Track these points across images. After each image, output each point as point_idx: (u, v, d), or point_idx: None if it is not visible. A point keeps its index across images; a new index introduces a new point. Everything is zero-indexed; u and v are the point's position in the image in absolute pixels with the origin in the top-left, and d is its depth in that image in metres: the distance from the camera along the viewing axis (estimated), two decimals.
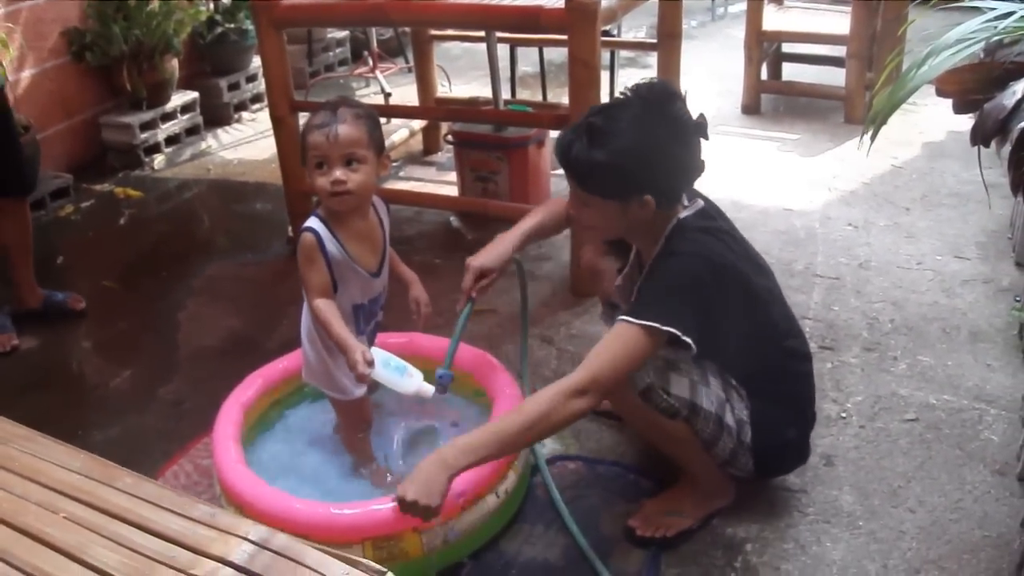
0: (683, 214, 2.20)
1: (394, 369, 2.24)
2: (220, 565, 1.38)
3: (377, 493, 2.39)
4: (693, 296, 2.09)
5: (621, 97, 2.19)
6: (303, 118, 3.98)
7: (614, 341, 2.09)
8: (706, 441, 2.25)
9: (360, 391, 2.48)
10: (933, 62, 2.02)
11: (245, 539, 1.41)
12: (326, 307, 2.25)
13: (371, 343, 2.42)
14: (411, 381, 2.26)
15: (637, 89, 2.17)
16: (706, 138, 2.15)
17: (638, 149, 2.09)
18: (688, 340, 2.05)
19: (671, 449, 2.34)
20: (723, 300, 2.12)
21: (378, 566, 1.30)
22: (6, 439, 1.75)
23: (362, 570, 1.28)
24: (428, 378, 2.30)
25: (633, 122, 2.10)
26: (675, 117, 2.12)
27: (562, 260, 3.66)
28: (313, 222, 2.29)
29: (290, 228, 4.03)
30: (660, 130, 2.10)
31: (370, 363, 2.17)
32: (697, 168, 2.19)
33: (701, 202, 2.25)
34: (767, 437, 2.28)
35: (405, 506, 2.01)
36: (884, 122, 2.12)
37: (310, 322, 2.37)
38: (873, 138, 2.23)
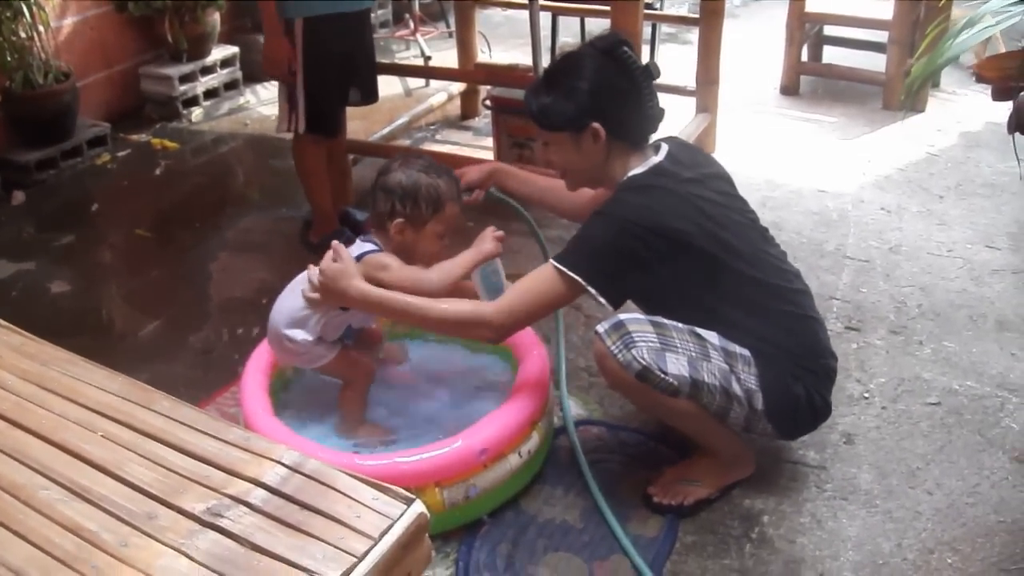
0: (636, 170, 2.28)
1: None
2: (253, 486, 1.40)
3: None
4: (612, 259, 2.19)
5: (575, 47, 2.38)
6: None
7: (537, 283, 2.24)
8: (717, 414, 2.25)
9: (334, 352, 2.47)
10: (970, 31, 2.00)
11: (279, 462, 1.44)
12: (432, 270, 2.35)
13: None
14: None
15: (591, 40, 2.37)
16: (655, 78, 2.29)
17: (588, 81, 2.25)
18: (603, 301, 2.19)
19: (683, 426, 2.34)
20: (654, 260, 2.18)
21: (407, 493, 1.32)
22: (48, 361, 1.79)
23: (391, 496, 1.30)
24: None
25: (585, 59, 2.29)
26: (622, 59, 2.26)
27: None
28: (371, 246, 2.40)
29: None
30: (609, 68, 2.26)
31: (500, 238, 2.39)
32: (650, 111, 2.32)
33: (656, 159, 2.30)
34: (777, 400, 2.24)
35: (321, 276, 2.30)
36: (921, 87, 2.13)
37: (301, 307, 2.38)
38: (910, 105, 2.23)
